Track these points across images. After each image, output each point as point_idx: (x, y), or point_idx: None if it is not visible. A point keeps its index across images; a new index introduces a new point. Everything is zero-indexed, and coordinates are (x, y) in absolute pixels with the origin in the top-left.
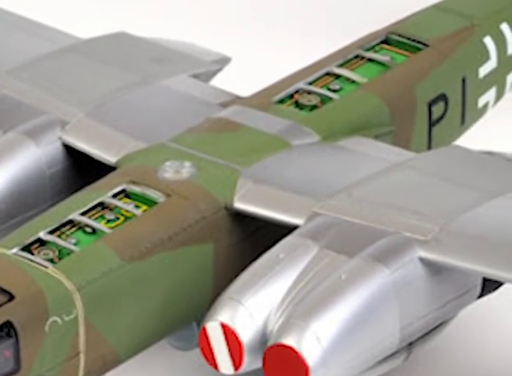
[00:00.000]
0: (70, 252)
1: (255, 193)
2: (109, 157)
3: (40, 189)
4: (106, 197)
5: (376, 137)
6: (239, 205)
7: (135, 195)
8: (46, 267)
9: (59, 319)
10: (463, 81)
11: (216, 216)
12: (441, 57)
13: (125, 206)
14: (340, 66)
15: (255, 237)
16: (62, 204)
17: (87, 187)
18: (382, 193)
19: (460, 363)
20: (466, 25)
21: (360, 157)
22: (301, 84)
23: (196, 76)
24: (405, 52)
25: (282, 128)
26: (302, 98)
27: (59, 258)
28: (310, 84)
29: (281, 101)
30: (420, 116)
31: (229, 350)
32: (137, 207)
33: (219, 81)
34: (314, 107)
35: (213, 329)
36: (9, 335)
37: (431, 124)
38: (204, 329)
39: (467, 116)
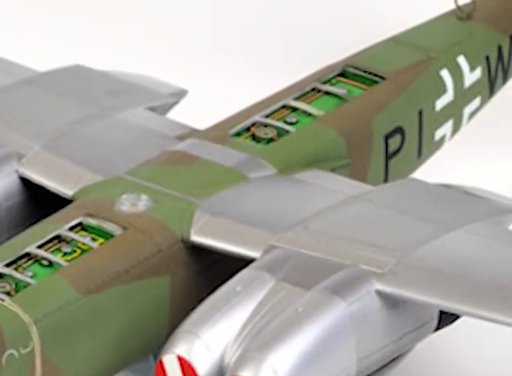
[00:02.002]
0: (26, 285)
1: (212, 226)
2: (65, 190)
3: None
4: (63, 230)
5: (333, 170)
6: (196, 238)
7: (92, 228)
8: (3, 300)
9: (15, 352)
10: (420, 113)
11: (173, 249)
12: (398, 90)
13: (82, 239)
14: (297, 99)
15: (212, 270)
16: (19, 236)
17: (44, 220)
18: (339, 225)
19: None
20: (423, 58)
21: (317, 190)
22: (257, 117)
23: (152, 109)
24: (362, 85)
25: (238, 161)
26: (259, 131)
27: (16, 291)
28: (267, 117)
29: (238, 134)
30: (377, 149)
31: None
32: (94, 240)
33: (176, 114)
34: (270, 140)
35: (170, 362)
36: None
37: (388, 157)
38: (161, 362)
39: (424, 149)
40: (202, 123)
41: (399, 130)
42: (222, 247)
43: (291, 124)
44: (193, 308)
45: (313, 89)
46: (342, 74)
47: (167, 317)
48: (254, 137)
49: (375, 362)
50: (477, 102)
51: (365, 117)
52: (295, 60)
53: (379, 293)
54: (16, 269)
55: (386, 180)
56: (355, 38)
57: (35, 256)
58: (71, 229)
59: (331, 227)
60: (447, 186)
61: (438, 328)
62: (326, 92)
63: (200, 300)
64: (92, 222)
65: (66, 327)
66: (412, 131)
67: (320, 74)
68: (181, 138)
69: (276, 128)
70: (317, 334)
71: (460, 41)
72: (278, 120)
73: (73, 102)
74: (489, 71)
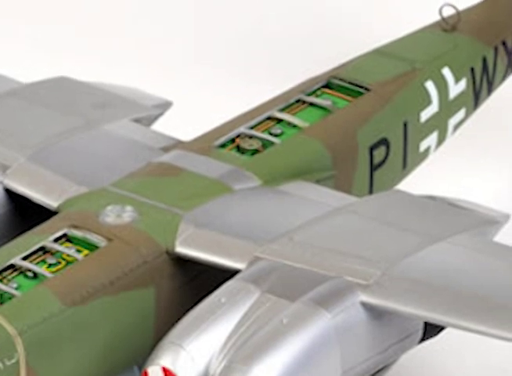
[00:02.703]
0: (11, 297)
1: (197, 238)
2: (50, 202)
3: None
4: (48, 242)
5: (318, 181)
6: (181, 250)
7: (77, 239)
8: None
9: (0, 364)
10: (405, 125)
11: (157, 261)
12: (383, 101)
13: (67, 250)
14: (282, 110)
15: (197, 282)
16: (3, 248)
17: (28, 232)
18: (324, 237)
19: None
20: (408, 69)
21: (302, 202)
22: (242, 129)
23: (137, 120)
24: (347, 97)
25: (223, 173)
26: (244, 142)
27: (1, 303)
28: (251, 128)
29: (222, 145)
30: (362, 160)
31: None
32: (78, 251)
33: (161, 126)
34: (255, 152)
35: (154, 373)
36: None
37: (373, 168)
38: (146, 373)
39: (409, 160)
40: (187, 134)
41: (384, 141)
42: (207, 259)
43: (276, 135)
44: (178, 319)
45: (298, 101)
46: (327, 86)
47: (152, 329)
48: (238, 148)
49: (360, 373)
50: (461, 113)
51: (350, 128)
52: (280, 72)
53: (364, 304)
54: (0, 280)
55: (371, 192)
56: (339, 50)
57: (20, 268)
58: (56, 240)
59: (316, 239)
60: (432, 198)
61: (422, 340)
62: (311, 104)
63: (185, 311)
64: (77, 233)
65: (51, 339)
66: (397, 142)
67: (305, 86)
68: (166, 149)
69: (261, 139)
70: (302, 346)
71: (445, 52)
72: (263, 131)
73: (58, 113)
74: (474, 83)
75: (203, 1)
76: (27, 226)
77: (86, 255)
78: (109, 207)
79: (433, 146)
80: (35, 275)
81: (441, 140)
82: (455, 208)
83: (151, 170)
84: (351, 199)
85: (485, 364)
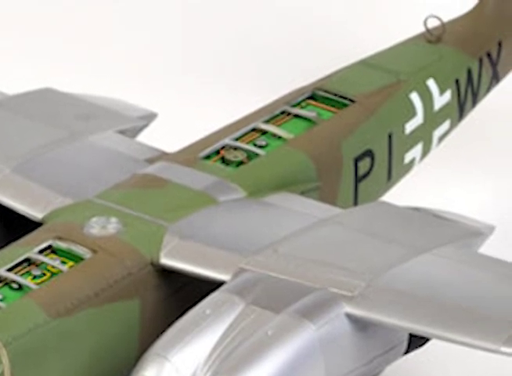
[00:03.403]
0: None
1: (181, 249)
2: (35, 213)
3: None
4: (33, 253)
5: (303, 193)
6: (166, 261)
7: (62, 251)
8: None
9: None
10: (390, 137)
11: (142, 272)
12: (368, 113)
13: (52, 262)
14: (267, 122)
15: (182, 293)
16: None
17: (13, 243)
18: (308, 248)
19: None
20: (393, 81)
21: (286, 213)
22: (227, 140)
23: (122, 132)
24: (332, 108)
25: (208, 184)
26: (228, 154)
27: None
28: (236, 140)
29: (207, 157)
30: (347, 172)
31: None
32: (63, 263)
33: (145, 137)
34: (240, 163)
35: None
36: None
37: (357, 180)
38: None
39: (394, 172)
40: (172, 146)
41: (369, 153)
42: (192, 270)
43: (261, 147)
44: (163, 331)
45: (283, 112)
46: (312, 97)
47: (137, 340)
48: (223, 160)
49: None
50: (446, 125)
51: (335, 140)
52: (265, 83)
53: (348, 316)
54: None
55: (355, 203)
56: (324, 61)
57: (5, 279)
58: (41, 252)
59: (301, 250)
60: (416, 209)
61: (407, 351)
62: (296, 115)
63: (170, 323)
64: (62, 245)
65: (36, 350)
66: (382, 154)
67: (290, 97)
68: (150, 161)
69: (246, 151)
70: (287, 358)
71: (430, 64)
72: (248, 143)
73: (42, 125)
74: (459, 94)
75: (189, 11)
76: (11, 238)
77: (71, 267)
78: (94, 219)
79: (418, 158)
80: (20, 286)
81: (425, 152)
82: (440, 220)
83: (136, 181)
84: (336, 210)
85: None
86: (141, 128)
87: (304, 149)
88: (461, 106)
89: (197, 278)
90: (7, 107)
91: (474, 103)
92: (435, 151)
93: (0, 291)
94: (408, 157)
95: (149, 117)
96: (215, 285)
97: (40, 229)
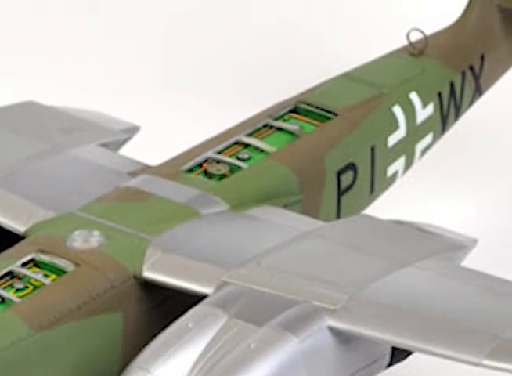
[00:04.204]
0: None
1: (164, 263)
2: (18, 226)
3: None
4: (15, 266)
5: (286, 206)
6: (148, 274)
7: (44, 264)
8: None
9: None
10: (372, 150)
11: (125, 285)
12: (350, 126)
13: (34, 275)
14: (249, 135)
15: (165, 306)
16: None
17: None
18: (291, 261)
19: None
20: (375, 94)
21: (269, 226)
22: (209, 154)
23: (104, 145)
24: (314, 121)
25: (191, 197)
26: (211, 167)
27: None
28: (219, 153)
29: (190, 170)
30: (329, 185)
31: None
32: (46, 276)
33: (128, 150)
34: (223, 176)
35: None
36: None
37: (340, 193)
38: None
39: (376, 185)
40: (154, 159)
41: (351, 166)
42: (175, 284)
43: (243, 160)
44: (146, 344)
45: (265, 125)
46: (294, 111)
47: (119, 353)
48: (206, 173)
49: None
50: (429, 138)
51: (318, 153)
52: (247, 97)
53: (331, 329)
54: None
55: (338, 216)
56: (307, 75)
57: None
58: (23, 265)
59: (283, 263)
60: (399, 222)
61: (390, 364)
62: (279, 129)
63: (153, 336)
64: (45, 258)
65: (19, 363)
66: (365, 167)
67: (272, 111)
68: (133, 174)
69: (229, 164)
70: (269, 371)
71: (412, 77)
72: (230, 156)
73: (25, 138)
74: (441, 107)
75: (172, 25)
76: None
77: (54, 280)
78: (76, 232)
79: (400, 171)
80: (3, 299)
81: (408, 165)
82: (422, 233)
83: (118, 195)
84: (319, 223)
85: None
86: (124, 142)
87: (286, 162)
88: (444, 120)
89: (180, 291)
90: None
91: (457, 116)
92: (418, 164)
93: None
94: (390, 170)
95: (131, 131)
96: (198, 298)
97: (23, 242)
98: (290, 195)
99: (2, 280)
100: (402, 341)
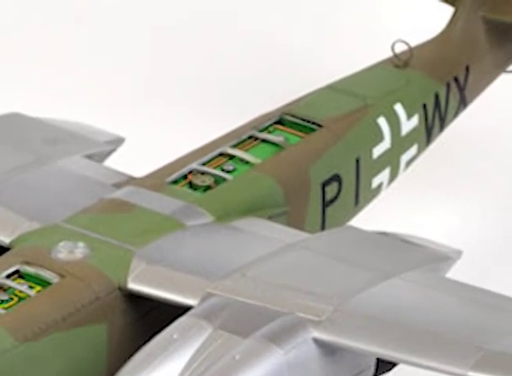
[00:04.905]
0: None
1: (149, 274)
2: (2, 238)
3: None
4: (0, 278)
5: (270, 218)
6: (133, 286)
7: (29, 275)
8: None
9: None
10: (357, 161)
11: (110, 297)
12: (335, 138)
13: (19, 287)
14: (234, 146)
15: (150, 318)
16: None
17: None
18: (276, 273)
19: None
20: (360, 105)
21: (254, 238)
22: (194, 165)
23: (89, 156)
24: (299, 133)
25: (175, 209)
26: (196, 178)
27: None
28: (204, 164)
29: (175, 182)
30: (314, 196)
31: None
32: (31, 287)
33: (113, 162)
34: (208, 188)
35: None
36: None
37: (325, 204)
38: None
39: (361, 197)
40: (139, 171)
41: (336, 178)
42: (159, 295)
43: (228, 172)
44: (131, 355)
45: (250, 137)
46: (279, 122)
47: (104, 365)
48: (191, 185)
49: None
50: (414, 150)
51: (303, 164)
52: (232, 108)
53: (316, 341)
54: None
55: (323, 228)
56: (291, 86)
57: None
58: (8, 276)
59: (268, 275)
60: (384, 234)
61: None
62: (264, 140)
63: (138, 348)
64: (29, 269)
65: (4, 375)
66: (350, 178)
67: (257, 122)
68: (118, 185)
69: (213, 175)
70: None
71: (397, 88)
72: (215, 168)
73: (10, 149)
74: (426, 119)
75: (156, 36)
76: None
77: (38, 291)
78: (61, 244)
79: (385, 183)
80: None
81: (393, 176)
82: (407, 244)
83: (103, 206)
84: (304, 235)
85: None
86: (108, 153)
87: (271, 173)
88: (429, 131)
89: (165, 303)
90: None
91: (442, 127)
92: (403, 176)
93: None
94: (375, 182)
95: (116, 142)
96: (183, 310)
97: (7, 253)
98: (274, 206)
99: None
100: (387, 353)
